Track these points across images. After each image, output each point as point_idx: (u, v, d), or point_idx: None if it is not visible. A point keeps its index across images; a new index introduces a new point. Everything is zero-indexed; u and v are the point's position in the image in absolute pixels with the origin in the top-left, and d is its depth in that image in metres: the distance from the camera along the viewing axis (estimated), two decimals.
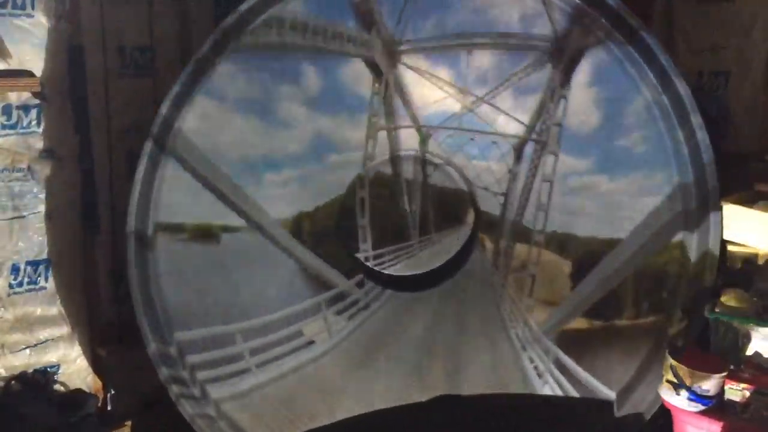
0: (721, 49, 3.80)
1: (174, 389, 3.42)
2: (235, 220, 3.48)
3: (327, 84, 3.44)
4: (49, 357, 3.67)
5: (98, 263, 3.81)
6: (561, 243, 3.37)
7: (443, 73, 3.37)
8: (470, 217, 3.45)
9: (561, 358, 3.32)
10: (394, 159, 3.48)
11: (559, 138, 3.28)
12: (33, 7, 3.38)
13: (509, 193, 3.39)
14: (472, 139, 3.40)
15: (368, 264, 3.52)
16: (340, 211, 3.52)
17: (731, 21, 3.76)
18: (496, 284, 3.48)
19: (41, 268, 3.60)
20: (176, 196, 3.45)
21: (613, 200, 3.27)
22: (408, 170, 3.50)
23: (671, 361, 2.84)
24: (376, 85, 3.41)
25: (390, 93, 3.41)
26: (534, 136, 3.31)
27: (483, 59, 3.34)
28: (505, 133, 3.36)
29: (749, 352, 2.90)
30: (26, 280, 3.56)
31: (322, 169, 3.49)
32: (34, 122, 3.48)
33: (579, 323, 3.34)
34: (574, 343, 3.32)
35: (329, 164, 3.50)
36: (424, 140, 3.45)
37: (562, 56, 3.23)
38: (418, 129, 3.45)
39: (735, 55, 3.75)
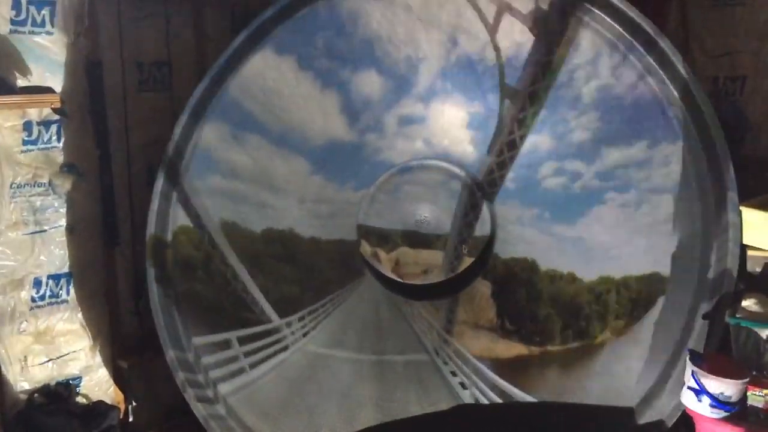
0: (736, 53, 3.79)
1: (190, 392, 3.45)
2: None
3: None
4: (71, 369, 3.70)
5: (119, 276, 3.84)
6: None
7: None
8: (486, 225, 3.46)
9: (498, 382, 3.37)
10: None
11: None
12: (53, 25, 3.43)
13: None
14: None
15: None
16: None
17: (746, 25, 3.75)
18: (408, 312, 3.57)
19: (63, 281, 3.63)
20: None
21: None
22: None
23: (693, 367, 2.82)
24: None
25: None
26: None
27: None
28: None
29: None
30: (48, 293, 3.59)
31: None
32: (54, 137, 3.53)
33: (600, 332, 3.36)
34: (593, 352, 3.33)
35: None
36: None
37: None
38: None
39: (751, 59, 3.74)
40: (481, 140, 3.40)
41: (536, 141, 3.34)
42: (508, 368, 3.41)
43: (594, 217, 3.32)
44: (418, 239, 3.50)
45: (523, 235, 3.42)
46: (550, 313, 3.40)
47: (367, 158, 3.52)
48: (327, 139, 3.52)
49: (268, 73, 3.48)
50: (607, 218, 3.30)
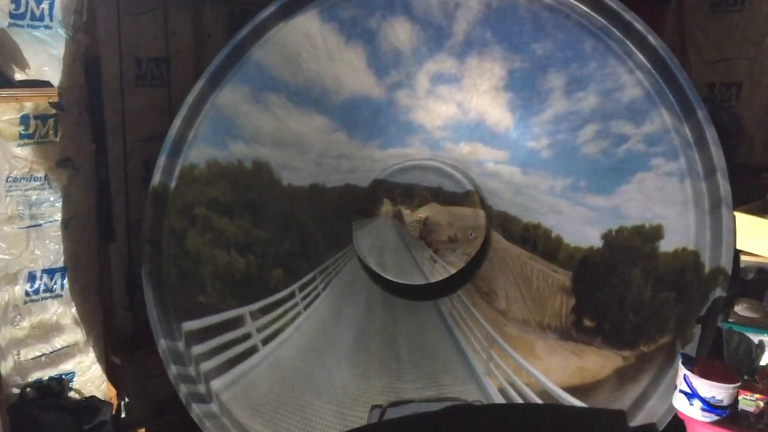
0: (733, 60, 3.82)
1: (183, 389, 3.43)
2: None
3: None
4: (65, 364, 3.69)
5: (113, 271, 3.83)
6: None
7: None
8: (481, 219, 3.42)
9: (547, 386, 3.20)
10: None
11: None
12: (51, 19, 3.42)
13: None
14: None
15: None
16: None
17: (743, 32, 3.78)
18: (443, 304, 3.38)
19: (57, 276, 3.62)
20: None
21: None
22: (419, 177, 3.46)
23: (684, 371, 2.84)
24: None
25: None
26: None
27: None
28: None
29: (763, 362, 2.89)
30: (42, 287, 3.58)
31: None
32: (51, 131, 3.51)
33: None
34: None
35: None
36: None
37: None
38: None
39: (747, 66, 3.77)
40: (521, 104, 3.16)
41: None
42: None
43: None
44: (446, 196, 3.26)
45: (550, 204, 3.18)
46: (668, 297, 2.89)
47: (395, 117, 3.30)
48: (352, 94, 3.29)
49: (292, 34, 3.28)
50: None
